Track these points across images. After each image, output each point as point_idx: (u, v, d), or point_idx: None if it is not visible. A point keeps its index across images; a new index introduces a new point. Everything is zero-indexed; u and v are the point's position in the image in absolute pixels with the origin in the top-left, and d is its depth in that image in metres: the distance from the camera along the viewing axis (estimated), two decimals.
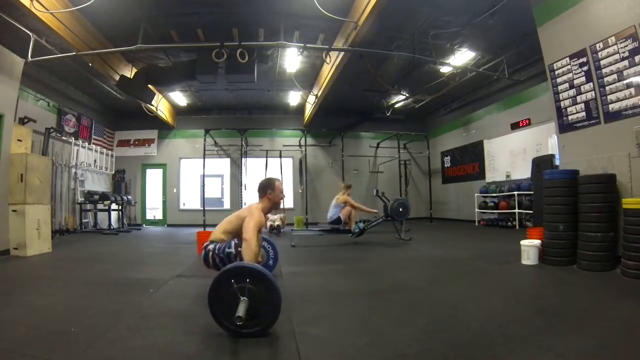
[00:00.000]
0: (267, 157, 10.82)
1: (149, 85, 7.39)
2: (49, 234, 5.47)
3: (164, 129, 11.66)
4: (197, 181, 11.14)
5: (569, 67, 4.16)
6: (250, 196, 10.82)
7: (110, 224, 9.32)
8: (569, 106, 4.19)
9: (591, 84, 3.91)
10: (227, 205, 11.61)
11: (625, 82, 3.57)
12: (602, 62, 3.78)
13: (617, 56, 3.64)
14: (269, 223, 8.32)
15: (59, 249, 5.58)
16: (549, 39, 4.45)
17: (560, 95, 4.30)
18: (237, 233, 2.69)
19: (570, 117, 4.18)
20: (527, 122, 8.42)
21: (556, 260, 3.75)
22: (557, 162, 5.73)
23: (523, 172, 8.03)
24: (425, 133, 12.29)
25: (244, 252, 2.44)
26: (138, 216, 11.48)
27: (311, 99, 9.68)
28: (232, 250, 2.61)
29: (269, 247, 3.62)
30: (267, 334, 2.00)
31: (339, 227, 6.38)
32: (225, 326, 1.98)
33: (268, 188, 2.85)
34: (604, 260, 3.42)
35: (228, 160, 11.74)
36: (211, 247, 2.70)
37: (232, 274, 1.98)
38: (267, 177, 3.04)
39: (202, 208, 10.30)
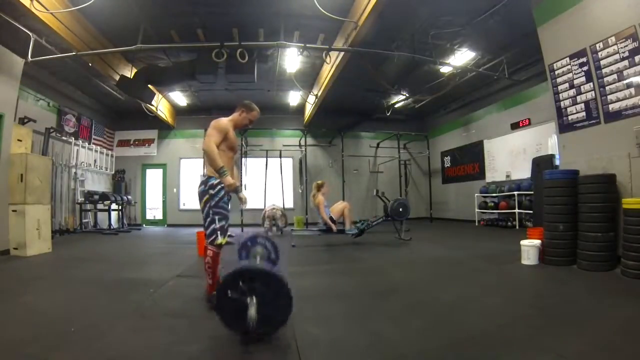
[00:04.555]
0: (267, 157, 10.81)
1: (149, 85, 7.40)
2: (49, 234, 5.47)
3: (164, 129, 11.65)
4: (197, 181, 11.09)
5: (569, 67, 4.16)
6: (250, 196, 10.83)
7: (110, 224, 9.32)
8: (569, 106, 4.19)
9: (591, 84, 3.91)
10: None
11: (625, 82, 3.57)
12: (602, 62, 3.78)
13: (617, 56, 3.64)
14: (266, 221, 8.24)
15: (59, 249, 5.58)
16: (549, 39, 4.45)
17: (560, 95, 4.30)
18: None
19: (570, 117, 4.18)
20: (527, 122, 8.42)
21: (556, 260, 3.75)
22: (557, 162, 5.73)
23: (523, 172, 8.03)
24: (425, 133, 12.30)
25: (207, 154, 2.53)
26: (138, 216, 11.47)
27: (311, 99, 9.68)
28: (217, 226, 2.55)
29: (269, 245, 3.26)
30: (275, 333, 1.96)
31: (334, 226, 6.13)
32: (235, 329, 1.93)
33: (244, 107, 2.85)
34: (604, 260, 3.42)
35: None
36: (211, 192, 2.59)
37: (239, 276, 1.92)
38: (249, 101, 2.96)
39: None
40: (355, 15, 5.54)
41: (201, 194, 2.63)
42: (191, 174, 11.61)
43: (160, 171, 11.81)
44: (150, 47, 6.07)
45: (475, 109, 10.42)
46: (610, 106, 3.72)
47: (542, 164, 6.09)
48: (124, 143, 11.66)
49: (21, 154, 5.34)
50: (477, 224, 9.39)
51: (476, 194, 9.62)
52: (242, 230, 8.89)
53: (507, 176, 8.96)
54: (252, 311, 1.82)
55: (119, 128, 11.59)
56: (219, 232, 2.54)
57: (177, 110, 11.76)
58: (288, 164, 11.58)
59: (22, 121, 6.85)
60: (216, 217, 2.55)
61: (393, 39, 6.70)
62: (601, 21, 3.78)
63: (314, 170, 11.80)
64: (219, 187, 2.59)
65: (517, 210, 7.97)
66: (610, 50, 3.69)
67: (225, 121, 2.71)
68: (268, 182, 10.64)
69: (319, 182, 6.52)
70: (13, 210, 4.99)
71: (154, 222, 11.57)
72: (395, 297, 2.86)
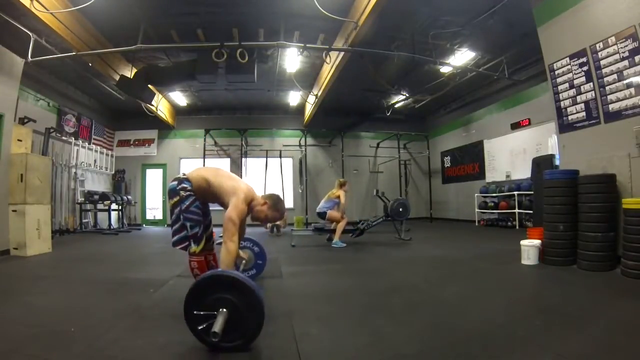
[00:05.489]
0: (267, 157, 10.82)
1: (149, 85, 7.39)
2: (49, 234, 5.47)
3: (164, 129, 11.66)
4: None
5: (569, 67, 4.16)
6: None
7: (110, 224, 9.33)
8: (569, 106, 4.19)
9: (591, 84, 3.91)
10: None
11: (625, 82, 3.57)
12: (602, 62, 3.78)
13: (617, 56, 3.63)
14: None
15: (59, 249, 5.58)
16: (549, 39, 4.45)
17: (560, 95, 4.30)
18: (214, 195, 2.45)
19: (570, 117, 4.18)
20: (527, 122, 8.42)
21: (556, 260, 3.75)
22: (557, 162, 5.73)
23: (523, 172, 8.03)
24: (425, 133, 12.31)
25: (222, 253, 2.21)
26: (138, 216, 11.48)
27: (311, 99, 9.68)
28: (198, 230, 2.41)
29: (254, 247, 3.38)
30: (248, 349, 1.80)
31: (323, 225, 6.23)
32: (203, 339, 1.79)
33: (271, 204, 2.54)
34: (604, 260, 3.42)
35: (228, 160, 11.72)
36: (184, 195, 2.40)
37: (210, 283, 1.80)
38: (280, 198, 2.66)
39: None
40: (355, 15, 5.54)
41: (172, 193, 2.44)
42: None
43: (160, 171, 11.81)
44: (150, 47, 6.07)
45: (475, 109, 10.42)
46: (610, 106, 3.72)
47: (542, 164, 6.09)
48: (124, 143, 11.67)
49: (21, 154, 5.33)
50: (477, 224, 9.39)
51: (476, 194, 9.63)
52: None
53: (507, 176, 8.97)
54: (219, 323, 1.67)
55: (119, 128, 11.60)
56: (192, 240, 2.40)
57: (177, 110, 11.76)
58: (288, 164, 11.58)
59: (22, 121, 6.85)
60: (187, 224, 2.40)
61: (393, 39, 6.71)
62: (601, 21, 3.78)
63: (314, 170, 11.80)
64: (189, 192, 2.42)
65: (517, 210, 7.97)
66: (610, 50, 3.69)
67: (245, 207, 2.41)
68: (268, 182, 10.64)
69: (342, 180, 6.64)
70: (13, 210, 4.99)
71: (154, 222, 11.57)
72: (395, 297, 2.85)
